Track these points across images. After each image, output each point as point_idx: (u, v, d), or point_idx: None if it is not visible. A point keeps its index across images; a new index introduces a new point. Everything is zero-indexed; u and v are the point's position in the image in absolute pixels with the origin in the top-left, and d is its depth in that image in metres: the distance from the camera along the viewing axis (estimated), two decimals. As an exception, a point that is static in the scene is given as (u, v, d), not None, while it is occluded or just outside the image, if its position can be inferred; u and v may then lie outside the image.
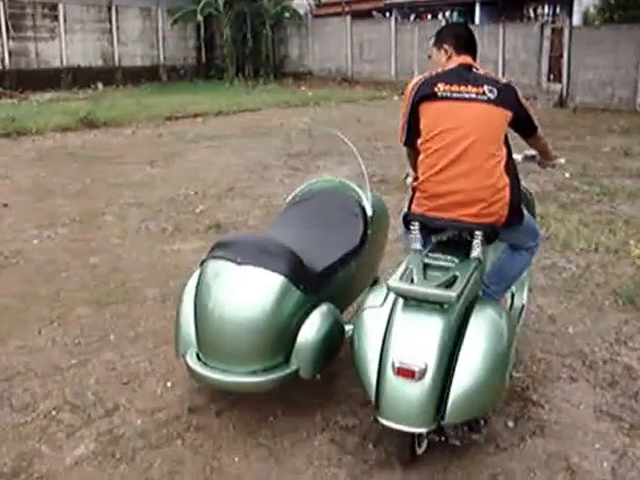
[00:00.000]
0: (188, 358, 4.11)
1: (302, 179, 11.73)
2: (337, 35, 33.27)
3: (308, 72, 34.75)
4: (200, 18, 33.10)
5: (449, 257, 4.03)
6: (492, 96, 4.15)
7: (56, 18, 30.73)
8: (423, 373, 3.49)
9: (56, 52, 30.92)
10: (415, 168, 4.35)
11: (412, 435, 3.69)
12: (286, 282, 4.02)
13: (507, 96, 4.24)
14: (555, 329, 5.83)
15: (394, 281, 3.71)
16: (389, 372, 3.55)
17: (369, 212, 5.05)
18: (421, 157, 4.18)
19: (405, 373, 3.50)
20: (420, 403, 3.52)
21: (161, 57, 34.36)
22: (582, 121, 20.60)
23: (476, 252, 4.05)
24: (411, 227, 4.16)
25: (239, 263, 4.04)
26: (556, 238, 8.43)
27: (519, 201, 4.18)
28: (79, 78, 30.97)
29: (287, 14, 36.09)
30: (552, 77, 25.58)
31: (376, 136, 16.79)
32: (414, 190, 4.26)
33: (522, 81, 26.05)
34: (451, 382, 3.56)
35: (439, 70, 4.34)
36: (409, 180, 4.70)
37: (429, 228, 4.18)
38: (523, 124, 4.47)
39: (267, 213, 9.53)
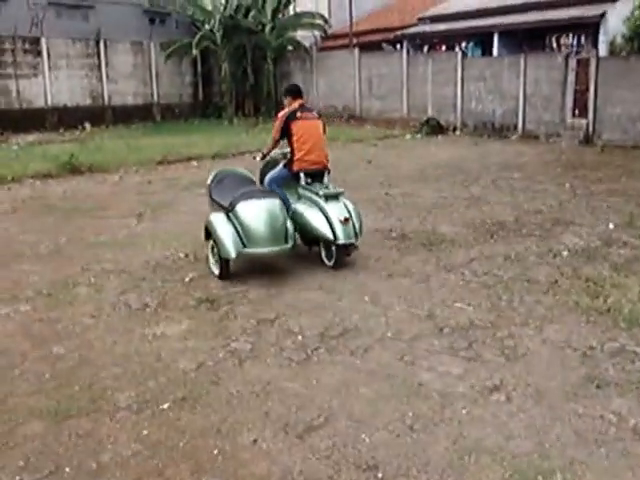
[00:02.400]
0: (246, 250, 8.40)
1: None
2: (344, 69, 32.45)
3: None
4: (196, 52, 32.31)
5: (319, 184, 9.32)
6: (317, 115, 9.68)
7: (39, 54, 29.85)
8: (349, 219, 8.76)
9: (40, 90, 30.01)
10: (269, 151, 9.73)
11: (349, 246, 8.88)
12: (281, 202, 8.78)
13: (319, 116, 9.77)
14: (648, 450, 4.68)
15: (323, 192, 8.98)
16: (338, 223, 8.67)
17: (256, 180, 9.83)
18: (296, 145, 9.25)
19: (346, 221, 8.71)
20: (351, 230, 8.76)
21: (154, 95, 33.51)
22: (613, 160, 19.65)
23: (327, 180, 9.47)
24: (301, 174, 9.34)
25: (260, 198, 8.64)
26: (618, 312, 7.31)
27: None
28: (65, 118, 30.12)
29: (290, 47, 35.33)
30: (577, 112, 24.62)
31: (389, 181, 15.85)
32: (293, 161, 9.35)
33: (544, 117, 25.28)
34: (354, 221, 8.90)
35: (292, 108, 9.37)
36: (258, 158, 9.86)
37: (308, 172, 9.36)
38: (324, 129, 9.68)
39: (268, 283, 8.46)
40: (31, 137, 27.18)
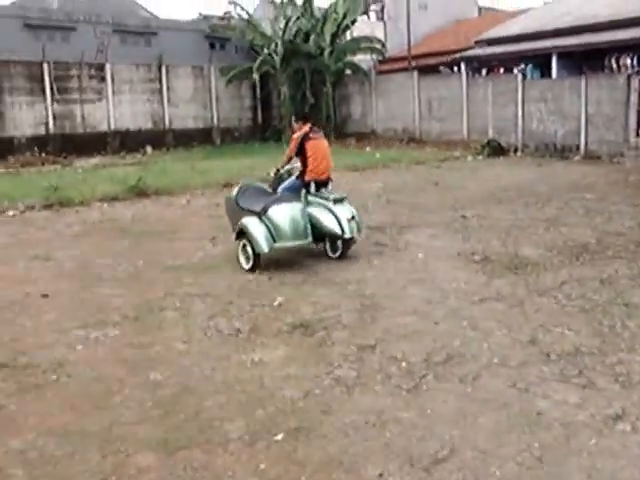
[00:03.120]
0: (276, 245, 10.07)
1: (390, 258, 10.59)
2: (403, 92, 32.23)
3: (371, 132, 33.69)
4: (256, 77, 32.36)
5: (325, 192, 10.90)
6: (323, 135, 11.44)
7: (103, 79, 30.25)
8: (354, 218, 10.47)
9: (103, 115, 30.40)
10: (284, 166, 11.33)
11: (351, 240, 10.59)
12: (303, 206, 10.48)
13: (324, 136, 11.56)
14: None
15: (332, 196, 10.61)
16: (345, 221, 10.31)
17: (270, 191, 11.24)
18: (310, 160, 10.84)
19: (351, 219, 10.41)
20: (355, 226, 10.52)
21: (214, 118, 33.65)
22: (682, 180, 19.08)
23: (330, 187, 11.16)
24: (312, 184, 10.83)
25: (287, 202, 10.36)
26: None
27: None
28: (127, 142, 30.40)
29: (349, 70, 35.24)
30: (640, 132, 24.21)
31: (461, 203, 15.49)
32: (305, 172, 10.92)
33: (607, 137, 24.80)
34: (357, 219, 10.55)
35: (304, 130, 10.99)
36: (272, 173, 11.49)
37: (317, 182, 10.90)
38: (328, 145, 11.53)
39: (360, 307, 8.15)
40: (94, 160, 27.41)
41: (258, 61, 32.50)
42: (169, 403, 5.68)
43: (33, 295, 9.14)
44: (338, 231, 10.39)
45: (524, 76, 28.61)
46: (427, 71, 33.85)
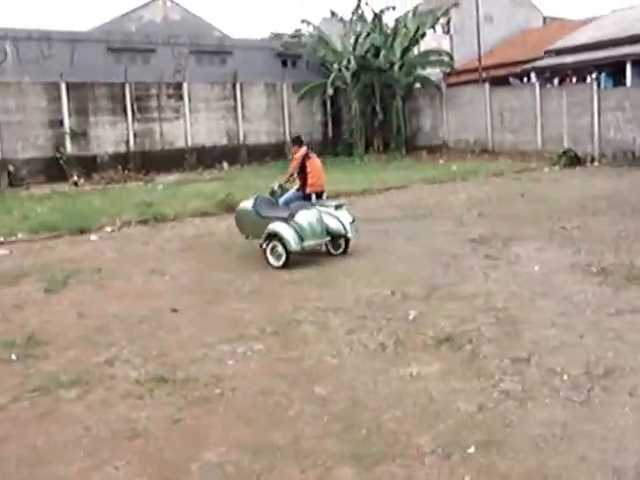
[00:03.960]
0: (304, 244, 11.66)
1: (506, 271, 10.50)
2: (474, 104, 32.13)
3: (443, 144, 33.63)
4: (331, 92, 32.66)
5: (325, 201, 13.05)
6: (316, 155, 13.37)
7: (180, 98, 30.83)
8: (354, 221, 12.53)
9: (180, 132, 30.94)
10: (287, 182, 13.15)
11: (348, 239, 12.57)
12: (319, 212, 12.12)
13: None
14: None
15: (334, 204, 12.82)
16: (349, 224, 12.32)
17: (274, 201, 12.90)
18: (310, 176, 12.82)
19: (352, 222, 12.41)
20: (354, 228, 12.44)
21: (287, 133, 33.89)
22: None
23: (325, 197, 13.20)
24: (312, 195, 12.80)
25: (309, 209, 12.08)
26: None
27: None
28: (203, 158, 30.90)
29: (418, 84, 35.25)
30: None
31: (557, 215, 15.35)
32: (305, 186, 12.90)
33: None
34: (355, 223, 12.60)
35: (302, 152, 12.94)
36: (276, 186, 12.96)
37: (317, 193, 12.93)
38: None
39: (496, 321, 8.09)
40: (172, 176, 27.82)
41: (332, 76, 32.83)
42: (345, 417, 5.69)
43: (163, 310, 9.28)
44: (342, 231, 12.28)
45: (599, 85, 28.33)
46: (496, 82, 33.74)
